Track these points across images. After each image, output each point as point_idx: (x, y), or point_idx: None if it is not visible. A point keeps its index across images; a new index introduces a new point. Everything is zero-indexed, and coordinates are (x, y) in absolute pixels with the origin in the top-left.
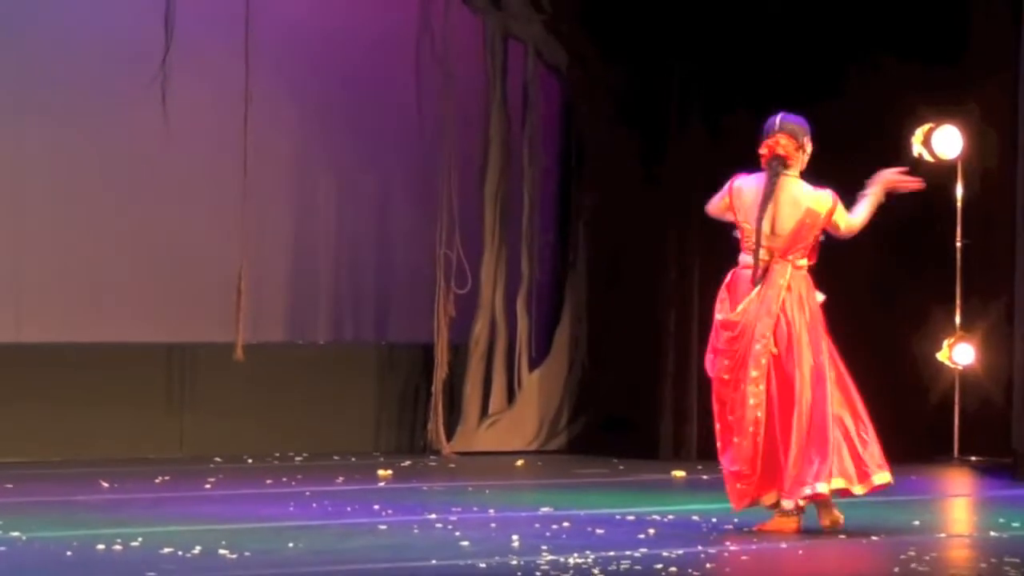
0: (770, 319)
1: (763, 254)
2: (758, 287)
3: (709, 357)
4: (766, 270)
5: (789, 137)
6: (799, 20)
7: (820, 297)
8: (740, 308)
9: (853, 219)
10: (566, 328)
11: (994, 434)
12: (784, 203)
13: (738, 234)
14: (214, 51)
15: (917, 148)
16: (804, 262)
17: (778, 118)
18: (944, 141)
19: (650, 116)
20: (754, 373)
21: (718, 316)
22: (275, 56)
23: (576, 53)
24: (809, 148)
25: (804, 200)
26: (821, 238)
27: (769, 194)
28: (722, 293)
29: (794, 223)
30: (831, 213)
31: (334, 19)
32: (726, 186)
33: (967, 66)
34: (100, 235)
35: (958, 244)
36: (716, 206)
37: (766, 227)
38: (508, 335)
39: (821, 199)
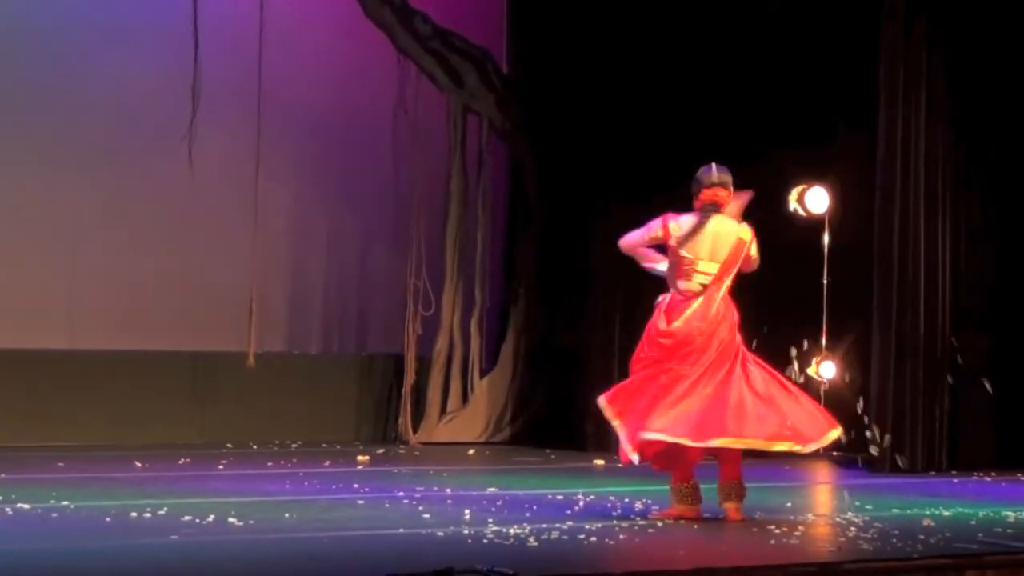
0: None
1: (701, 279)
2: (695, 305)
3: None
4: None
5: (726, 188)
6: (707, 115)
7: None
8: (677, 324)
9: (756, 255)
10: (510, 344)
11: (850, 434)
12: (721, 234)
13: (661, 267)
14: (231, 117)
15: (793, 205)
16: (728, 284)
17: (715, 170)
18: (815, 199)
19: (579, 174)
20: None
21: (660, 327)
22: (281, 122)
23: (520, 122)
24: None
25: (736, 231)
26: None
27: (700, 227)
28: (659, 312)
29: (728, 251)
30: (751, 243)
31: (329, 94)
32: (658, 222)
33: (837, 140)
34: (139, 265)
35: (824, 282)
36: (644, 239)
37: (706, 255)
38: (463, 349)
39: (746, 230)
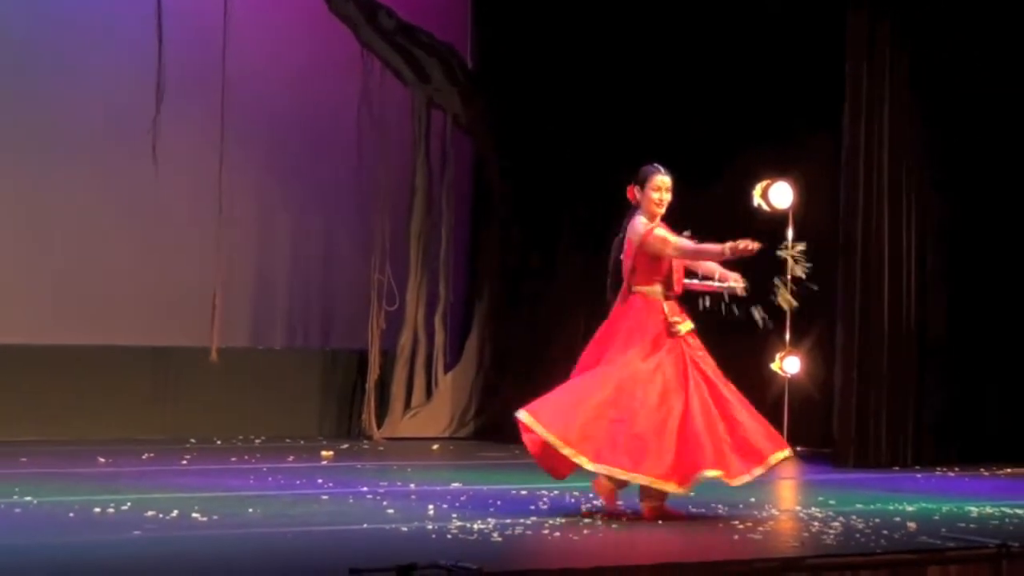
0: None
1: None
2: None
3: None
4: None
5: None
6: (672, 111)
7: None
8: None
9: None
10: (474, 340)
11: (814, 429)
12: None
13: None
14: (195, 112)
15: (757, 200)
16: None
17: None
18: (779, 194)
19: (543, 170)
20: None
21: None
22: (245, 117)
23: (484, 117)
24: None
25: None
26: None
27: None
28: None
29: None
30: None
31: (293, 89)
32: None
33: (801, 136)
34: (102, 259)
35: (788, 277)
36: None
37: None
38: (428, 344)
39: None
